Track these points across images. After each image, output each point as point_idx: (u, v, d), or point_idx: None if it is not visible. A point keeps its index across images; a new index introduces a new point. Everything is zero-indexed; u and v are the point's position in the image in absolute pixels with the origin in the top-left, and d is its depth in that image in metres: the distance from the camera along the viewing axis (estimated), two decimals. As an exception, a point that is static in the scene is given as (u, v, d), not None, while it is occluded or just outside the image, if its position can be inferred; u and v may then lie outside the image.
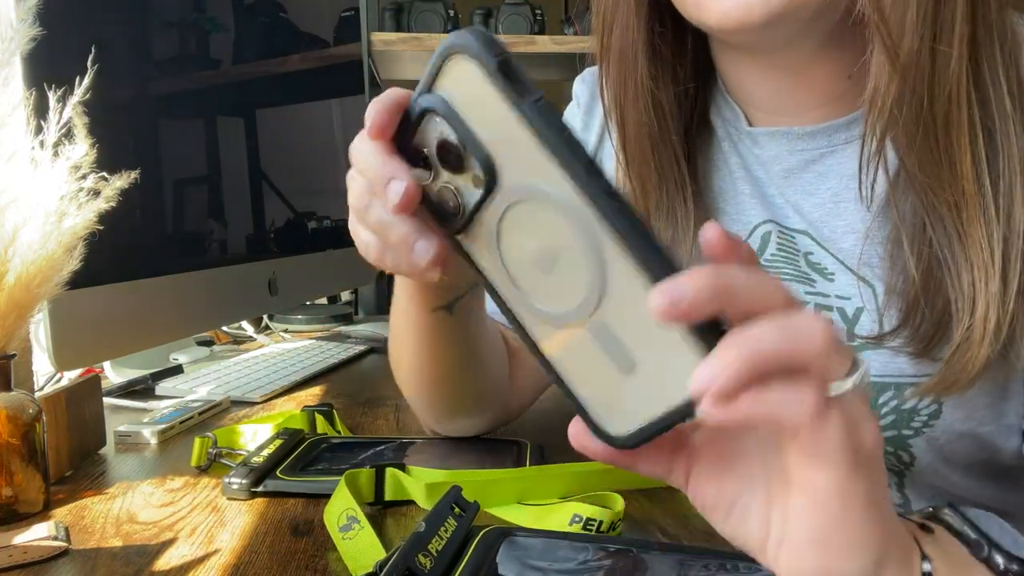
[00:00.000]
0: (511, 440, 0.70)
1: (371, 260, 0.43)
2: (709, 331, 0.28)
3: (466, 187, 0.33)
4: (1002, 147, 0.49)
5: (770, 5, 0.49)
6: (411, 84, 0.33)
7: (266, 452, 0.63)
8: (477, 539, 0.46)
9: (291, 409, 0.82)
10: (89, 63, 0.60)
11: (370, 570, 0.40)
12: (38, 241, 0.56)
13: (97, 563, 0.50)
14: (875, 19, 0.49)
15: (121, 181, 0.60)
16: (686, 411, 0.30)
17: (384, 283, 1.76)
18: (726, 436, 0.35)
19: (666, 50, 0.60)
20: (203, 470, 0.66)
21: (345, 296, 1.80)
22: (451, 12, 1.92)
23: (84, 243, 0.59)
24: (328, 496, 0.55)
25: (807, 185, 0.60)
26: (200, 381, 0.96)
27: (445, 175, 0.34)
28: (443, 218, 0.35)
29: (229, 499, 0.60)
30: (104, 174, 0.59)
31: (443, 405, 0.68)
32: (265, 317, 1.42)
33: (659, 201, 0.63)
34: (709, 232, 0.30)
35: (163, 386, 0.94)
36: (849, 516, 0.31)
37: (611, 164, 0.66)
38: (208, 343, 1.25)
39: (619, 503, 0.54)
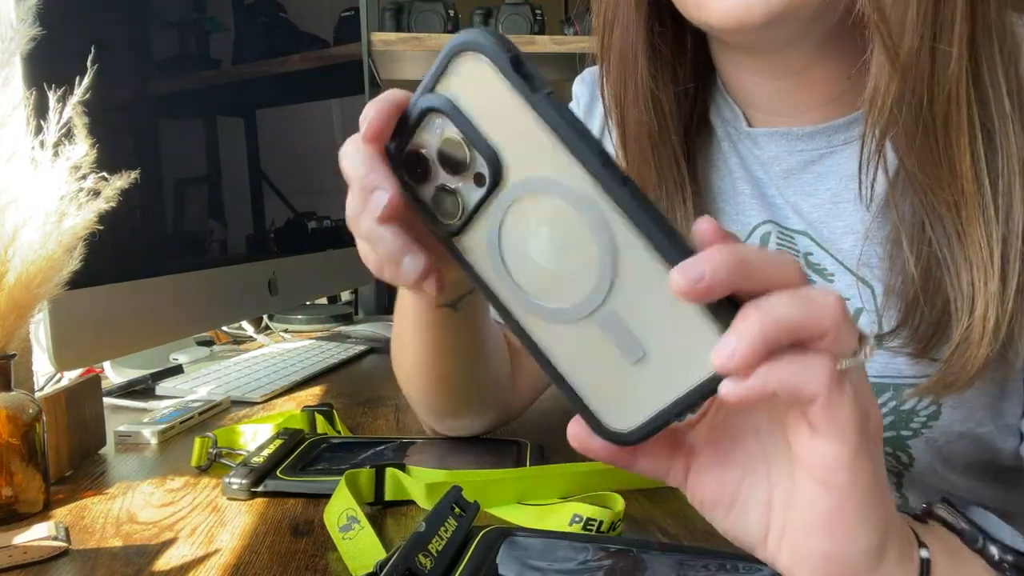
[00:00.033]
0: (511, 440, 0.70)
1: (371, 269, 0.43)
2: (725, 309, 0.29)
3: (467, 187, 0.33)
4: (1001, 147, 0.50)
5: (770, 5, 0.49)
6: (411, 84, 0.33)
7: (266, 452, 0.63)
8: (477, 539, 0.46)
9: (291, 409, 0.82)
10: (89, 63, 0.60)
11: (370, 570, 0.40)
12: (38, 241, 0.56)
13: (97, 563, 0.50)
14: (875, 19, 0.49)
15: (121, 181, 0.60)
16: (706, 388, 0.30)
17: (384, 283, 1.76)
18: (725, 430, 0.35)
19: (666, 50, 0.60)
20: (203, 470, 0.66)
21: (345, 296, 1.80)
22: (451, 12, 1.92)
23: (84, 243, 0.59)
24: (328, 496, 0.55)
25: (806, 186, 0.60)
26: (200, 381, 0.96)
27: (444, 176, 0.34)
28: (439, 221, 0.35)
29: (229, 499, 0.60)
30: (104, 174, 0.59)
31: (445, 403, 0.68)
32: (265, 317, 1.42)
33: (658, 201, 0.63)
34: (702, 225, 0.30)
35: (163, 386, 0.94)
36: (855, 494, 0.31)
37: (612, 163, 0.66)
38: (208, 343, 1.25)
39: (619, 503, 0.54)
